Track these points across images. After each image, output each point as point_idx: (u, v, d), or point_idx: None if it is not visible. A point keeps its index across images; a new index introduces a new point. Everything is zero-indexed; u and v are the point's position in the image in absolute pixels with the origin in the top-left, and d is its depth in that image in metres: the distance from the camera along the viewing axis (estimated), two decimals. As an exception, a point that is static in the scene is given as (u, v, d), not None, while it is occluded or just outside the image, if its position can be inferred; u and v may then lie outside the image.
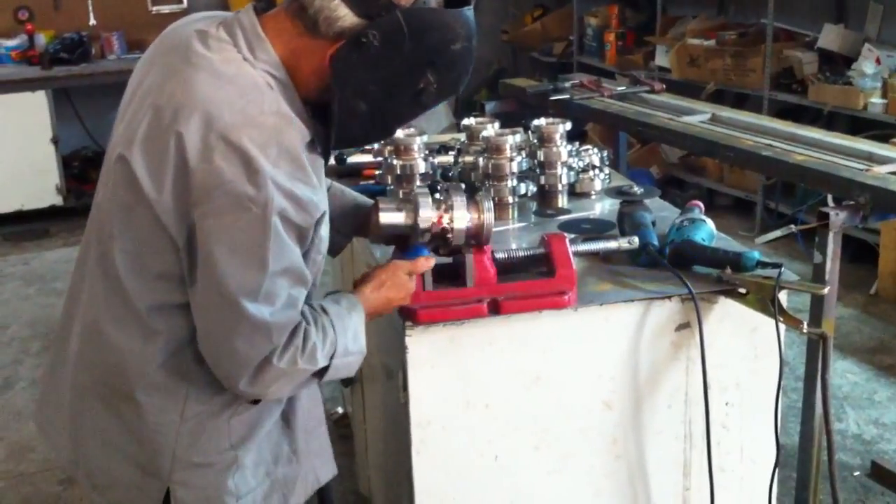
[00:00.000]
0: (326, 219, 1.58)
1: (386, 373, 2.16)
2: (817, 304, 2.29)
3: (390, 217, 1.76)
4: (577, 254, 1.93)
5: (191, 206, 1.42)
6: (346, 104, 1.52)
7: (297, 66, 1.52)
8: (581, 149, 2.58)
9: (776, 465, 1.95)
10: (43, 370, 1.81)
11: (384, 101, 1.55)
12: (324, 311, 1.58)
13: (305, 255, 1.54)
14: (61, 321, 1.71)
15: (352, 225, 1.93)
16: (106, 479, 1.65)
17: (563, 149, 2.42)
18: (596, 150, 2.61)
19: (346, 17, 1.47)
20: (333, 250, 1.92)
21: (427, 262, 1.77)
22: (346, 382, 2.89)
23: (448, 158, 2.57)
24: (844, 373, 4.01)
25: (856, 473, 3.29)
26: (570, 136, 2.52)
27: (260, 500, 1.69)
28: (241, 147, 1.40)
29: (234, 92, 1.45)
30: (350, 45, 1.48)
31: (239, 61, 1.49)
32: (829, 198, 2.65)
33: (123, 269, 1.51)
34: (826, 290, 2.09)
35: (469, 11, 1.54)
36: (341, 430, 3.57)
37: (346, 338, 1.58)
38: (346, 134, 1.57)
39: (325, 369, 1.56)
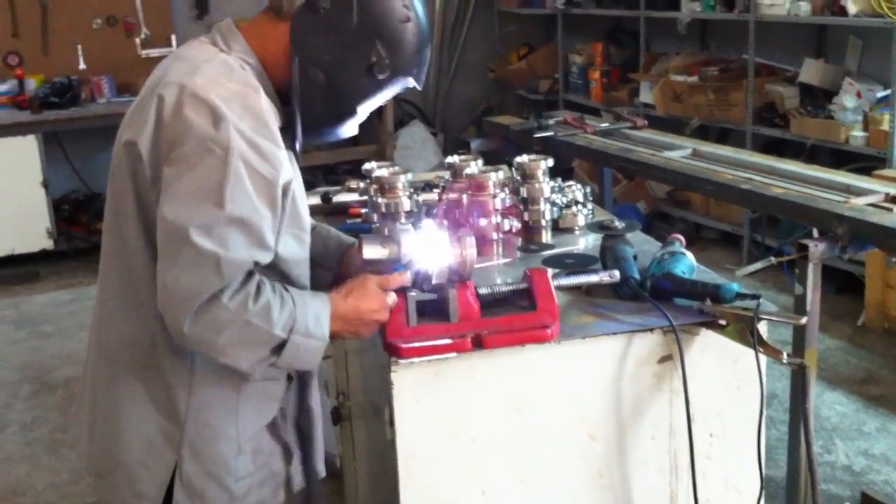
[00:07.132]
0: (300, 190, 1.70)
1: (373, 410, 2.17)
2: (799, 334, 2.31)
3: (373, 252, 1.79)
4: (559, 288, 1.96)
5: (166, 158, 1.54)
6: (304, 72, 1.66)
7: (268, 52, 1.69)
8: (564, 185, 2.61)
9: (760, 496, 1.96)
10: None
11: (339, 71, 1.68)
12: (284, 287, 1.63)
13: (281, 229, 1.62)
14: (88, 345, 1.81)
15: (336, 261, 1.96)
16: (109, 463, 1.71)
17: (545, 185, 2.45)
18: (579, 185, 2.65)
19: None
20: (319, 288, 1.94)
21: (401, 276, 1.79)
22: (336, 420, 2.89)
23: (433, 196, 2.60)
24: (833, 404, 4.02)
25: (845, 504, 3.30)
26: (556, 173, 2.55)
27: (256, 485, 1.77)
28: (208, 99, 1.54)
29: (208, 67, 1.61)
30: (304, 10, 1.66)
31: (215, 52, 1.68)
32: (815, 230, 2.68)
33: (132, 245, 1.61)
34: (804, 321, 2.11)
35: None
36: (331, 469, 3.56)
37: (307, 317, 1.62)
38: (309, 109, 1.69)
39: (283, 344, 1.59)
